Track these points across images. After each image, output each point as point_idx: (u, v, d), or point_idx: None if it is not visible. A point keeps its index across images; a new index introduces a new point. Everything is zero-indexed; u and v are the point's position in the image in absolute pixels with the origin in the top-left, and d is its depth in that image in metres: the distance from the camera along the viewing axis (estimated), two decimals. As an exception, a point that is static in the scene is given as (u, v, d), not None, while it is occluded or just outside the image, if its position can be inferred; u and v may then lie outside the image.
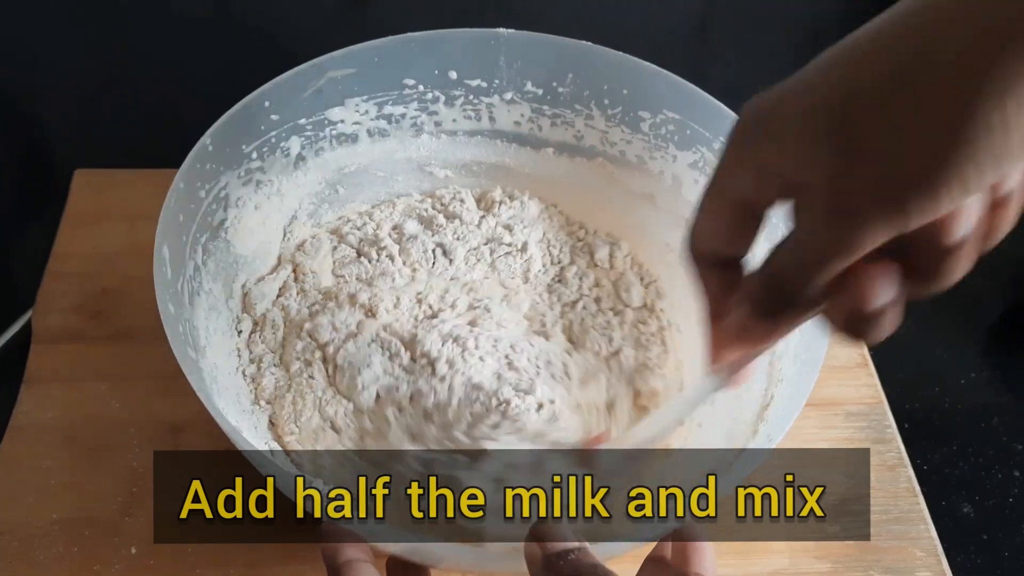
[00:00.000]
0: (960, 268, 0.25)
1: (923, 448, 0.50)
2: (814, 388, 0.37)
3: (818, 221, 0.24)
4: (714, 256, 0.30)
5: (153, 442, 0.47)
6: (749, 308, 0.29)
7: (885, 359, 0.52)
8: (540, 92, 0.51)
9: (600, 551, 0.31)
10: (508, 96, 0.51)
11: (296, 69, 0.47)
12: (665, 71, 0.48)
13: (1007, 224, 0.25)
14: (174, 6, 0.73)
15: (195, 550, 0.43)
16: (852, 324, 0.26)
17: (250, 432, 0.42)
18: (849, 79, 0.23)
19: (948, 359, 0.56)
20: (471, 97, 0.51)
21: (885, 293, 0.25)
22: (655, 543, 0.37)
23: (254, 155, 0.47)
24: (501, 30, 0.49)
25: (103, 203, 0.57)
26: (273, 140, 0.47)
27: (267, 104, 0.46)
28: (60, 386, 0.49)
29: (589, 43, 0.49)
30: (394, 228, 0.52)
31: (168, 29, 0.72)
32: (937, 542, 0.45)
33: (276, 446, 0.44)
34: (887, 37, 0.23)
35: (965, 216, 0.24)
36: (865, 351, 0.52)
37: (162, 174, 0.43)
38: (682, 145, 0.49)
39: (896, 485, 0.47)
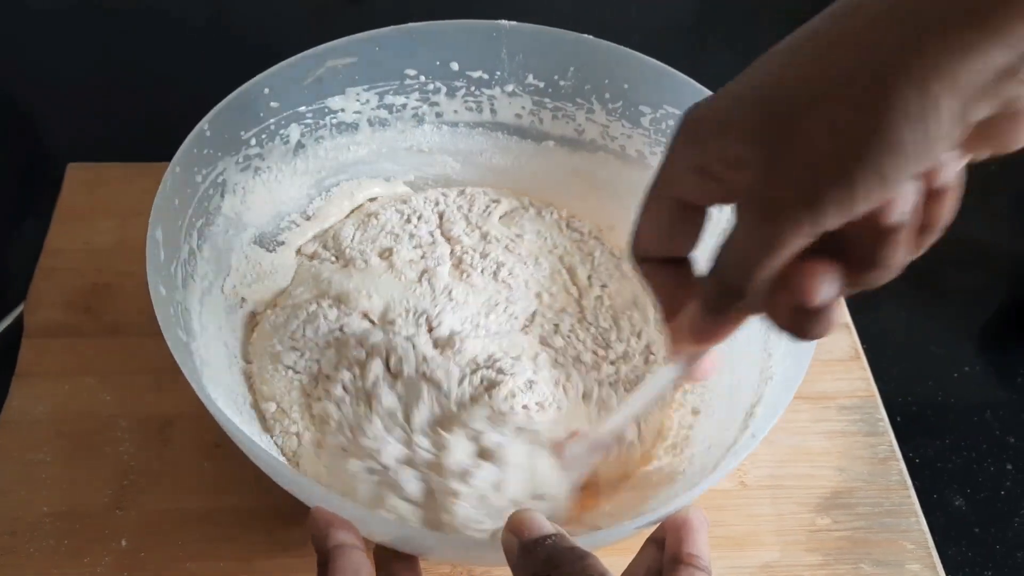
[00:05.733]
0: (898, 256, 0.25)
1: (916, 442, 0.51)
2: (807, 382, 0.37)
3: (748, 222, 0.25)
4: (658, 256, 0.31)
5: (143, 436, 0.46)
6: (700, 306, 0.30)
7: (879, 353, 0.53)
8: (541, 85, 0.51)
9: (582, 543, 0.31)
10: (509, 88, 0.51)
11: (296, 56, 0.46)
12: (666, 66, 0.48)
13: (946, 215, 0.26)
14: (169, 1, 0.73)
15: (185, 543, 0.43)
16: (794, 322, 0.27)
17: (239, 419, 0.41)
18: (769, 84, 0.24)
19: (942, 354, 0.56)
20: (472, 89, 0.51)
21: (824, 289, 0.26)
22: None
23: (253, 142, 0.46)
24: (503, 22, 0.49)
25: (96, 197, 0.56)
26: (272, 127, 0.47)
27: (266, 91, 0.46)
28: (51, 380, 0.48)
29: (591, 37, 0.49)
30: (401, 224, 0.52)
31: (163, 24, 0.71)
32: (928, 535, 0.46)
33: (265, 435, 0.43)
34: (803, 39, 0.24)
35: (899, 202, 0.24)
36: (858, 344, 0.53)
37: (155, 168, 0.42)
38: (682, 140, 0.49)
39: (888, 478, 0.48)
